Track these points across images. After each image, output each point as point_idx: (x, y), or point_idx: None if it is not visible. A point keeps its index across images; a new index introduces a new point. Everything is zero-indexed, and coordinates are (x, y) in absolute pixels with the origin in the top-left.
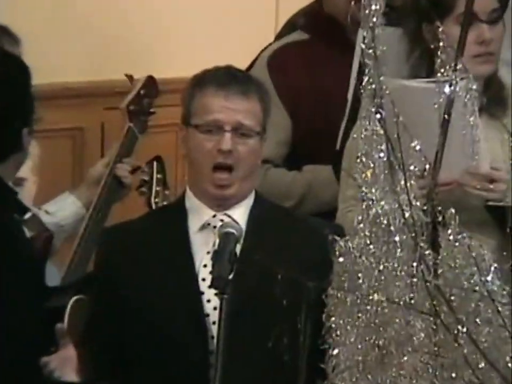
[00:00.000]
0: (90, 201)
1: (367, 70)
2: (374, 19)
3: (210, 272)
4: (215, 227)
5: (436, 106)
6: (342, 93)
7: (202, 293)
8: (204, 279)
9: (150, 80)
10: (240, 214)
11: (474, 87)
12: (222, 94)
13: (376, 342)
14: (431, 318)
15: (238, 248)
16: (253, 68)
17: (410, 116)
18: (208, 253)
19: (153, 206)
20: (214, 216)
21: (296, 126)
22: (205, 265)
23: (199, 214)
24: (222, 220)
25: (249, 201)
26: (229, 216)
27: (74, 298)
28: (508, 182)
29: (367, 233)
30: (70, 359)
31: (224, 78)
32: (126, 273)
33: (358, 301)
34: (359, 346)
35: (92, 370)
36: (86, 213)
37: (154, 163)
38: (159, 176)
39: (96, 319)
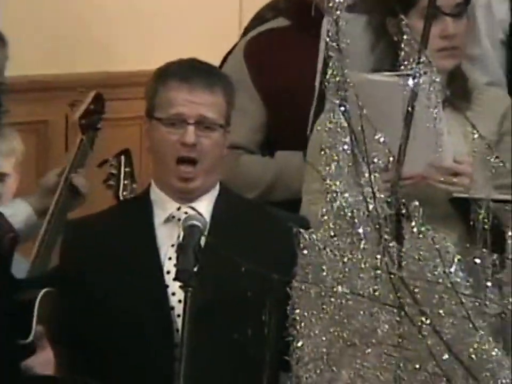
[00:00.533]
0: (42, 209)
1: (331, 63)
2: (338, 12)
3: (175, 265)
4: (179, 220)
5: (400, 99)
6: None
7: (167, 286)
8: (168, 272)
9: (98, 96)
10: (204, 206)
11: (437, 80)
12: (186, 87)
13: (341, 334)
14: (395, 310)
15: (202, 241)
16: (231, 54)
17: (375, 109)
18: (172, 245)
19: (121, 199)
20: (179, 208)
21: (271, 113)
22: (169, 258)
23: (163, 206)
24: (186, 213)
25: (213, 193)
26: (194, 209)
27: (43, 291)
28: (471, 175)
29: (331, 225)
30: (50, 360)
31: (188, 71)
32: (90, 266)
33: (322, 293)
34: (323, 338)
35: (67, 366)
36: (44, 220)
37: (122, 156)
38: (126, 169)
39: (63, 314)
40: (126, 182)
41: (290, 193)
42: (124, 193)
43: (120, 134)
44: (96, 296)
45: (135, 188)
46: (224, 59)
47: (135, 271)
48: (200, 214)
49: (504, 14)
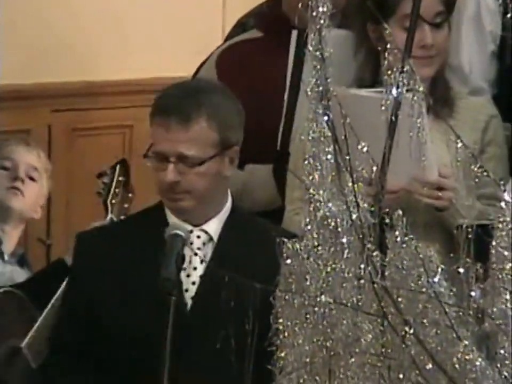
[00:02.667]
0: None
1: (314, 72)
2: (321, 21)
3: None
4: (191, 243)
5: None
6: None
7: (187, 290)
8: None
9: (123, 162)
10: (213, 229)
11: (421, 88)
12: (164, 124)
13: (324, 344)
14: (379, 320)
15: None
16: (203, 66)
17: (361, 124)
18: (184, 269)
19: (109, 207)
20: (191, 231)
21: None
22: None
23: (176, 228)
24: (199, 237)
25: (224, 215)
26: (205, 232)
27: (2, 290)
28: (455, 189)
29: (314, 235)
30: None
31: (168, 104)
32: (102, 280)
33: (306, 303)
34: (307, 348)
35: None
36: None
37: (117, 166)
38: (120, 178)
39: (72, 324)
40: (117, 190)
41: (254, 205)
42: (113, 200)
43: (99, 142)
44: (105, 311)
45: (130, 197)
46: (200, 67)
47: (143, 286)
48: (211, 237)
49: (494, 26)
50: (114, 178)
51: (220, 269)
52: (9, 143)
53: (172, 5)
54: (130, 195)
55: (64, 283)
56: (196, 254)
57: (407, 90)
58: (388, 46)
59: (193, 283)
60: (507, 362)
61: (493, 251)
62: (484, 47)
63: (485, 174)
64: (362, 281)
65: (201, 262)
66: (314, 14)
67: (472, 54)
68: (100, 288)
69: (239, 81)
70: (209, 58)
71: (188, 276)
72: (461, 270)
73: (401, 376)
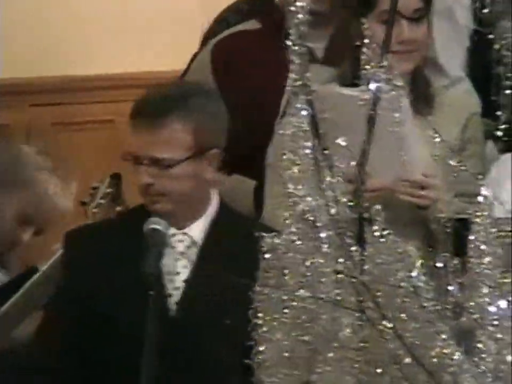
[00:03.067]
0: None
1: (293, 67)
2: (300, 16)
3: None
4: (173, 247)
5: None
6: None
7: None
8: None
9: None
10: (197, 232)
11: (399, 83)
12: (137, 127)
13: (303, 338)
14: (357, 314)
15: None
16: (199, 54)
17: (342, 121)
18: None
19: (90, 215)
20: (173, 235)
21: (233, 118)
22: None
23: (155, 223)
24: (181, 241)
25: (209, 217)
26: (189, 235)
27: None
28: (438, 188)
29: (293, 229)
30: None
31: (141, 108)
32: (90, 274)
33: (284, 297)
34: (286, 343)
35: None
36: None
37: (107, 178)
38: (108, 190)
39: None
40: (102, 201)
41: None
42: (95, 209)
43: (77, 137)
44: (97, 306)
45: (118, 210)
46: (194, 58)
47: (128, 285)
48: (195, 241)
49: (466, 21)
50: (101, 189)
51: (204, 273)
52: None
53: (156, 3)
54: (118, 208)
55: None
56: (178, 259)
57: (388, 78)
58: (366, 40)
59: (177, 288)
60: (484, 356)
61: (471, 245)
62: (458, 42)
63: (463, 168)
64: (341, 275)
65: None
66: (293, 8)
67: (447, 47)
68: (89, 283)
69: (237, 72)
70: (202, 49)
71: (172, 281)
72: (439, 265)
73: (379, 370)
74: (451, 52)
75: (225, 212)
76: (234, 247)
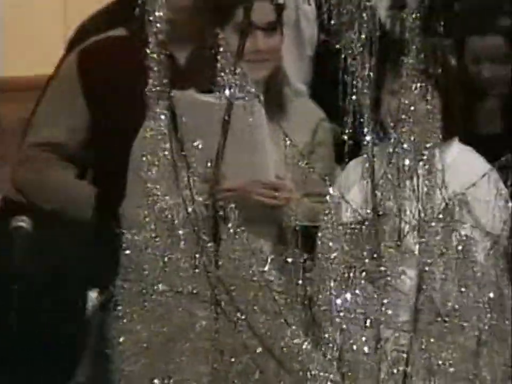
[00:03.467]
0: None
1: (151, 73)
2: (158, 25)
3: None
4: None
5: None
6: None
7: None
8: None
9: None
10: None
11: (252, 90)
12: None
13: (161, 330)
14: (212, 307)
15: None
16: (65, 59)
17: (200, 126)
18: None
19: None
20: None
21: (96, 118)
22: None
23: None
24: None
25: None
26: None
27: None
28: (291, 190)
29: (152, 227)
30: None
31: None
32: None
33: (144, 291)
34: (144, 334)
35: None
36: None
37: None
38: None
39: None
40: None
41: (78, 218)
42: None
43: None
44: None
45: None
46: (58, 68)
47: None
48: None
49: (311, 33)
50: None
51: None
52: None
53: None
54: None
55: None
56: None
57: (241, 84)
58: (221, 49)
59: None
60: (331, 345)
61: (319, 242)
62: (303, 52)
63: (312, 171)
64: (197, 270)
65: None
66: (151, 18)
67: (291, 59)
68: None
69: (100, 76)
70: (68, 55)
71: None
72: (290, 260)
73: (233, 359)
74: (295, 64)
75: None
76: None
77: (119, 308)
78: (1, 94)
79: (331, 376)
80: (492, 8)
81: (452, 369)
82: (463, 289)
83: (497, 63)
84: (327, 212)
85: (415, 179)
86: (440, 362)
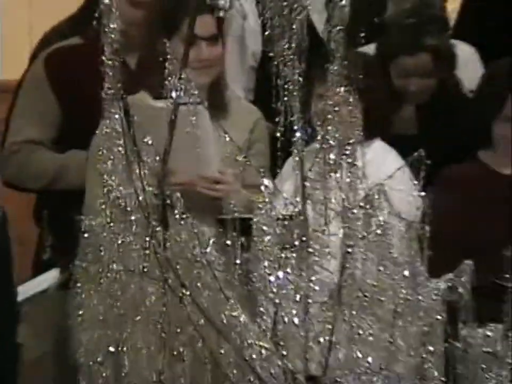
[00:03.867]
0: None
1: (107, 78)
2: (112, 35)
3: None
4: None
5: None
6: None
7: None
8: None
9: None
10: None
11: (195, 92)
12: None
13: (115, 304)
14: (161, 284)
15: None
16: (31, 66)
17: (149, 125)
18: None
19: None
20: None
21: (65, 115)
22: None
23: None
24: None
25: None
26: None
27: None
28: (230, 183)
29: (108, 213)
30: None
31: None
32: None
33: (100, 270)
34: (100, 308)
35: None
36: None
37: None
38: None
39: None
40: None
41: (70, 186)
42: None
43: None
44: None
45: None
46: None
47: None
48: None
49: (255, 45)
50: None
51: None
52: None
53: None
54: None
55: None
56: None
57: (186, 88)
58: (168, 57)
59: None
60: (265, 318)
61: (254, 227)
62: (245, 63)
63: (249, 164)
64: (147, 251)
65: None
66: (106, 29)
67: (234, 68)
68: None
69: (67, 79)
70: (33, 62)
71: None
72: (228, 242)
73: (179, 330)
74: (236, 73)
75: None
76: None
77: (78, 285)
78: None
79: (265, 344)
80: (420, 28)
81: (371, 338)
82: (381, 268)
83: (424, 77)
84: (261, 199)
85: (339, 171)
86: (361, 332)
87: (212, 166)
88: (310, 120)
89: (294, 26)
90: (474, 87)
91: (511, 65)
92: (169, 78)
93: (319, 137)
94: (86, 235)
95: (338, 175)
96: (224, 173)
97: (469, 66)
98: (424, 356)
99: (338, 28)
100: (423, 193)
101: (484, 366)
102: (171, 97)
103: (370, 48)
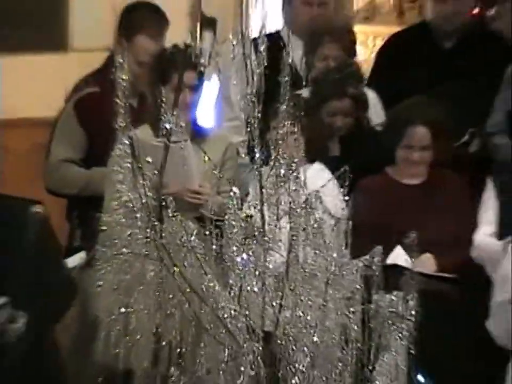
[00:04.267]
0: None
1: (119, 115)
2: (124, 84)
3: None
4: None
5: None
6: None
7: None
8: None
9: None
10: None
11: (183, 125)
12: None
13: (125, 277)
14: (158, 263)
15: None
16: (65, 108)
17: (150, 151)
18: None
19: None
20: None
21: (91, 142)
22: None
23: None
24: None
25: None
26: None
27: None
28: (208, 194)
29: (120, 211)
30: None
31: None
32: None
33: (114, 253)
34: (114, 280)
35: None
36: None
37: None
38: None
39: None
40: None
41: (95, 192)
42: None
43: None
44: None
45: None
46: (60, 114)
47: None
48: None
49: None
50: None
51: None
52: None
53: None
54: None
55: None
56: None
57: (176, 123)
58: (163, 100)
59: None
60: (234, 288)
61: (226, 222)
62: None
63: (222, 177)
64: (148, 239)
65: None
66: (119, 80)
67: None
68: None
69: (91, 116)
70: (66, 105)
71: None
72: (207, 232)
73: (170, 296)
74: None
75: None
76: None
77: (98, 263)
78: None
79: (233, 307)
80: (344, 81)
81: (310, 302)
82: (317, 252)
83: (347, 116)
84: (231, 202)
85: (287, 183)
86: (302, 298)
87: (194, 181)
88: (266, 145)
89: (254, 78)
90: (379, 122)
91: (407, 108)
92: (164, 116)
93: (272, 158)
94: (104, 228)
95: (287, 185)
96: (203, 186)
97: (376, 107)
98: (347, 314)
99: (286, 78)
100: (347, 198)
101: (389, 321)
102: (166, 129)
103: (306, 92)
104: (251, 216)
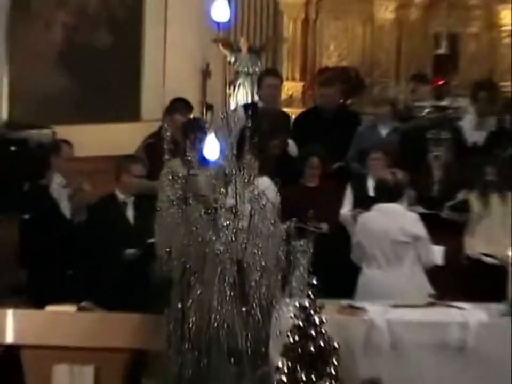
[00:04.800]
0: None
1: (166, 154)
2: (168, 138)
3: None
4: None
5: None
6: None
7: None
8: None
9: None
10: None
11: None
12: None
13: (168, 226)
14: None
15: None
16: (140, 146)
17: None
18: None
19: None
20: None
21: (151, 167)
22: None
23: None
24: None
25: None
26: None
27: None
28: (209, 195)
29: (165, 200)
30: None
31: None
32: None
33: (164, 215)
34: (165, 225)
35: None
36: None
37: None
38: None
39: None
40: None
41: (153, 192)
42: None
43: None
44: None
45: None
46: (137, 151)
47: None
48: None
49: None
50: None
51: None
52: None
53: None
54: None
55: None
56: None
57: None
58: (188, 144)
59: None
60: (222, 235)
61: (219, 207)
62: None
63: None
64: (181, 213)
65: None
66: (166, 136)
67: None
68: None
69: (153, 155)
70: (140, 146)
71: None
72: (209, 212)
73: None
74: None
75: None
76: None
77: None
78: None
79: (222, 248)
80: (275, 133)
81: (259, 244)
82: (263, 222)
83: (276, 149)
84: (219, 201)
85: (250, 187)
86: (256, 241)
87: (202, 190)
88: (240, 167)
89: (233, 134)
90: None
91: (308, 148)
92: (189, 155)
93: (242, 173)
94: (158, 209)
95: (250, 187)
96: (206, 192)
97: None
98: (279, 250)
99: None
100: (278, 194)
101: (299, 253)
102: (189, 161)
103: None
104: (231, 207)
